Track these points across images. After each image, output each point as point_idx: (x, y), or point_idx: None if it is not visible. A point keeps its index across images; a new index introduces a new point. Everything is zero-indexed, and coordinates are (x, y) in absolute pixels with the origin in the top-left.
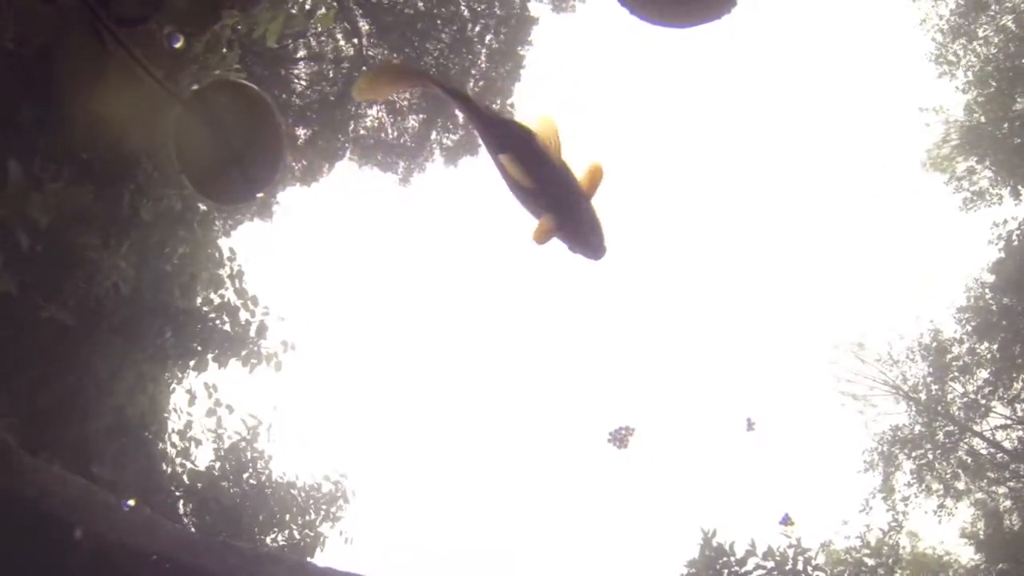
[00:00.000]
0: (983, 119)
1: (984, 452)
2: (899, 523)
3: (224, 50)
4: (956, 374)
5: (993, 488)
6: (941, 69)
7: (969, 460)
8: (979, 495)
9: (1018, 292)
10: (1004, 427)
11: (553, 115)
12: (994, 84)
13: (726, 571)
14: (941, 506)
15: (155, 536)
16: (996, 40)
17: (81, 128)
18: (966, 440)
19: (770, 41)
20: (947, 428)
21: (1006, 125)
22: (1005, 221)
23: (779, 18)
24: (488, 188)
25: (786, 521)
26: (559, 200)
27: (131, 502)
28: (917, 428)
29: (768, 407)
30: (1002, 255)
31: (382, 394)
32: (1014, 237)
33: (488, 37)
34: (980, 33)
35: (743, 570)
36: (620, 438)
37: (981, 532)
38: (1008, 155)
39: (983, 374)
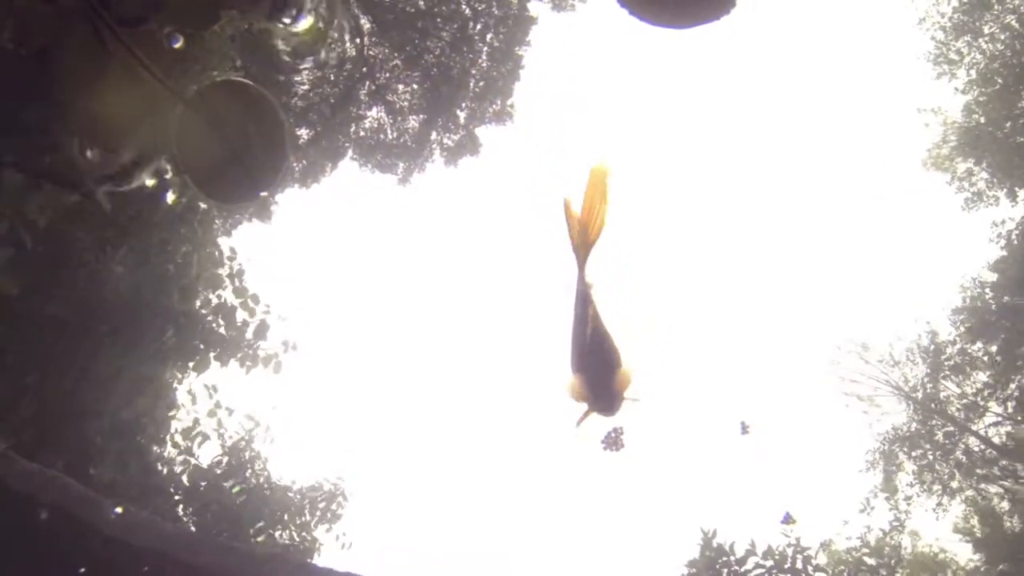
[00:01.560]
0: (983, 119)
1: (976, 450)
2: (901, 523)
3: (224, 49)
4: (948, 373)
5: (984, 486)
6: (940, 69)
7: (964, 459)
8: (969, 492)
9: (1021, 291)
10: (996, 424)
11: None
12: (1000, 81)
13: (725, 571)
14: (939, 504)
15: (155, 537)
16: (1002, 37)
17: (81, 128)
18: (964, 440)
19: (769, 42)
20: (947, 428)
21: (1008, 124)
22: (1003, 221)
23: (778, 19)
24: (487, 189)
25: (787, 519)
26: (602, 401)
27: (119, 509)
28: (914, 426)
29: (768, 408)
30: (1004, 253)
31: (380, 395)
32: (1013, 237)
33: (488, 36)
34: (986, 30)
35: (743, 569)
36: (613, 440)
37: (976, 530)
38: (1007, 155)
39: (982, 376)
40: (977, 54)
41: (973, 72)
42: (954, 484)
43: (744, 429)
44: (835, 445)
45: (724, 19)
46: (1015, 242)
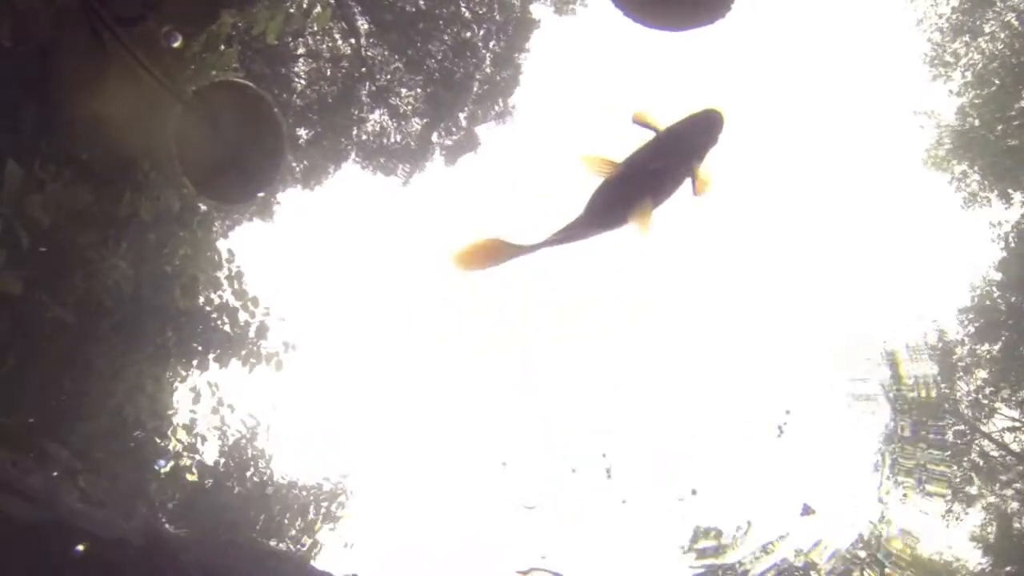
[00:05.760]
0: (977, 122)
1: (995, 455)
2: (885, 517)
3: (223, 47)
4: (961, 374)
5: (1003, 491)
6: (936, 71)
7: (970, 461)
8: (992, 499)
9: (1019, 291)
10: (1012, 429)
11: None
12: (997, 82)
13: (728, 571)
14: (949, 511)
15: (156, 536)
16: (1002, 36)
17: (81, 128)
18: (976, 441)
19: (767, 44)
20: (957, 427)
21: (1000, 127)
22: (1000, 223)
23: (776, 21)
24: (487, 189)
25: (807, 511)
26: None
27: (80, 547)
28: (924, 431)
29: (769, 407)
30: (1004, 255)
31: (381, 394)
32: (1011, 239)
33: (492, 43)
34: (987, 29)
35: (743, 568)
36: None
37: (991, 536)
38: (999, 157)
39: (982, 374)
40: (975, 54)
41: (969, 74)
42: (968, 489)
43: (735, 429)
44: (840, 445)
45: (719, 22)
46: (1012, 244)
